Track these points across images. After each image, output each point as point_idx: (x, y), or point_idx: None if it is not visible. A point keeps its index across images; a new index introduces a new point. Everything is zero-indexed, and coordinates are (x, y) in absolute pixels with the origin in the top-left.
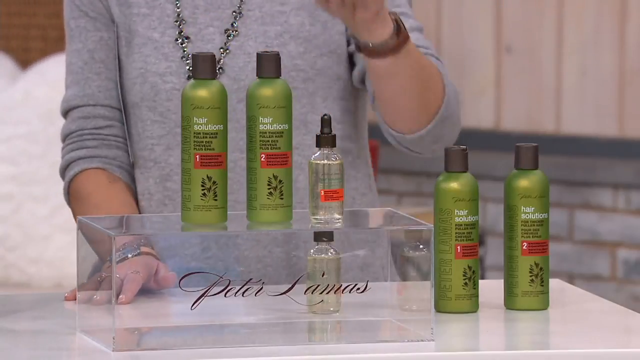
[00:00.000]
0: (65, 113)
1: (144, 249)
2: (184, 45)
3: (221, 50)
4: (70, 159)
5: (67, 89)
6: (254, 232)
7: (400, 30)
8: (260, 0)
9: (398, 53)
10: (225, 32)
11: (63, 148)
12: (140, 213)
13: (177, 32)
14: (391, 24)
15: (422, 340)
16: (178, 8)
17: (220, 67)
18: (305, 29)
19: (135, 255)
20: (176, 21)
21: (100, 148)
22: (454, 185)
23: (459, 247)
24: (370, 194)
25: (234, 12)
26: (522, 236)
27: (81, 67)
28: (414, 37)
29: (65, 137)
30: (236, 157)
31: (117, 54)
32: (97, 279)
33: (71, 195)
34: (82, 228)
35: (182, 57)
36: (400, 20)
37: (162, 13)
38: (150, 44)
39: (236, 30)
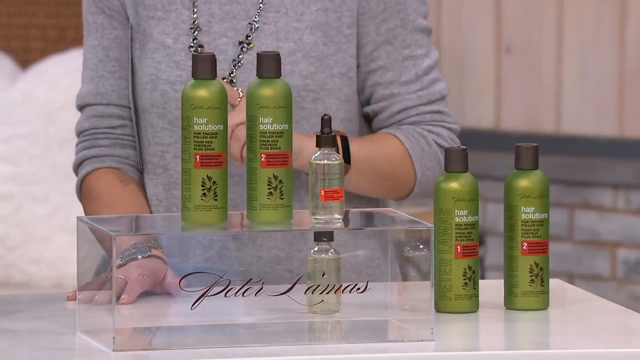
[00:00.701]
0: (80, 109)
1: (154, 251)
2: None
3: (234, 62)
4: (83, 157)
5: (82, 84)
6: (254, 232)
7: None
8: (276, 15)
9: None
10: (240, 45)
11: (77, 145)
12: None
13: (190, 40)
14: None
15: (422, 340)
16: (194, 14)
17: (232, 80)
18: (319, 49)
19: (145, 257)
20: (191, 28)
21: (113, 147)
22: (454, 185)
23: (459, 247)
24: (370, 201)
25: (250, 23)
26: (522, 236)
27: (96, 64)
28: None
29: (78, 134)
30: (242, 172)
31: (130, 55)
32: (102, 279)
33: (83, 193)
34: (88, 228)
35: None
36: (345, 144)
37: (178, 19)
38: (163, 50)
39: (250, 44)
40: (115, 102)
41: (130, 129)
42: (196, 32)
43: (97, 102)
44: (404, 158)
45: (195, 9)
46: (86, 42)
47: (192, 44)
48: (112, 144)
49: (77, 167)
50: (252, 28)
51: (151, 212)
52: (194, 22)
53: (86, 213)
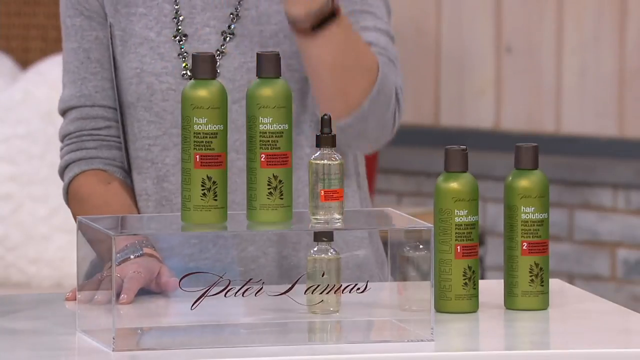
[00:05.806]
0: (63, 113)
1: (146, 249)
2: (180, 44)
3: (217, 52)
4: (70, 159)
5: (64, 88)
6: (254, 232)
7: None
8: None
9: (315, 33)
10: (222, 35)
11: (62, 149)
12: (139, 214)
13: (174, 32)
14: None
15: (422, 340)
16: (176, 5)
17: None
18: None
19: (138, 257)
20: (174, 18)
21: (100, 149)
22: (454, 185)
23: (459, 247)
24: (360, 192)
25: (232, 13)
26: (522, 236)
27: (77, 66)
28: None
29: (63, 138)
30: (232, 158)
31: (111, 53)
32: (98, 279)
33: (70, 196)
34: (82, 228)
35: (178, 55)
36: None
37: (160, 13)
38: (147, 44)
39: (232, 33)
40: (100, 103)
41: (116, 129)
42: (179, 23)
43: (82, 105)
44: (371, 57)
45: (176, 1)
46: (66, 46)
47: (174, 36)
48: (99, 146)
49: (63, 171)
50: (234, 18)
51: (138, 211)
52: (176, 13)
53: (75, 215)
